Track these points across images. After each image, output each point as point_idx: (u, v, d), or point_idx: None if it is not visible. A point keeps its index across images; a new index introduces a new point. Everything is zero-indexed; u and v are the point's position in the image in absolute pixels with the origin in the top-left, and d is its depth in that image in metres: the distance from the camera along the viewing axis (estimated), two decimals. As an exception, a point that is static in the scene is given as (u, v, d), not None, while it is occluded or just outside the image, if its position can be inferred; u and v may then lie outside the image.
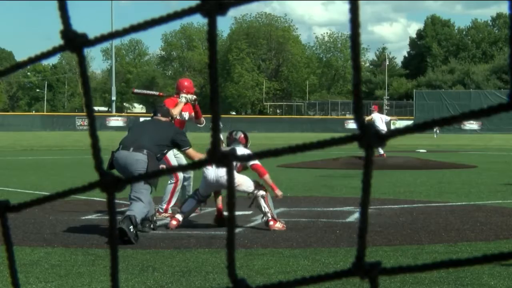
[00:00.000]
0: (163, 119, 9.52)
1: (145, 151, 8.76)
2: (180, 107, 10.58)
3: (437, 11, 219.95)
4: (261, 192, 9.22)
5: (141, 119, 63.27)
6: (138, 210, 8.42)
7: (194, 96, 10.85)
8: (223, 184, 9.17)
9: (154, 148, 8.87)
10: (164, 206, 10.48)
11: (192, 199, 9.51)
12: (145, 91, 12.79)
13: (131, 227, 8.11)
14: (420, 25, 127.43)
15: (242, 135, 9.83)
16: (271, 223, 9.08)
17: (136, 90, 12.71)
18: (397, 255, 7.49)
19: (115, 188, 0.82)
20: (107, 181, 0.82)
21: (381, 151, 23.17)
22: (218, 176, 9.19)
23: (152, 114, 9.88)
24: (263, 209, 9.14)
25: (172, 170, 0.90)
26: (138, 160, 8.69)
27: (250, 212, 10.00)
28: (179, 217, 9.35)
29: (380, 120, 24.83)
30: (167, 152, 9.29)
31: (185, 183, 10.73)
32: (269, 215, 9.10)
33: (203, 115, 10.97)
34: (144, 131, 9.11)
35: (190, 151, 9.17)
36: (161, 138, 8.99)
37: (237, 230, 8.91)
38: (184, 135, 9.33)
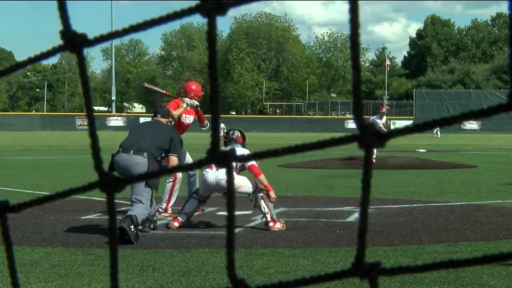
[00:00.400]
0: (163, 120, 9.51)
1: (145, 154, 8.72)
2: (180, 111, 10.60)
3: (437, 11, 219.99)
4: (262, 193, 9.22)
5: (141, 119, 63.30)
6: (139, 210, 8.41)
7: (196, 102, 10.84)
8: (223, 186, 9.15)
9: (154, 151, 8.83)
10: (164, 206, 10.48)
11: (193, 199, 9.50)
12: (154, 87, 12.79)
13: (132, 226, 8.11)
14: (420, 25, 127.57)
15: (239, 134, 9.82)
16: (271, 224, 9.08)
17: (146, 85, 12.67)
18: (397, 255, 7.49)
19: (114, 188, 0.82)
20: (106, 181, 0.82)
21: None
22: (218, 179, 9.18)
23: (152, 115, 9.89)
24: (262, 209, 9.14)
25: (172, 170, 0.90)
26: (139, 163, 8.65)
27: (250, 212, 10.00)
28: (181, 218, 9.34)
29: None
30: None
31: (191, 179, 10.77)
32: (268, 216, 9.10)
33: (204, 115, 10.99)
34: (145, 134, 9.06)
35: (174, 159, 9.03)
36: (162, 141, 8.95)
37: (237, 230, 8.91)
38: (180, 143, 9.30)
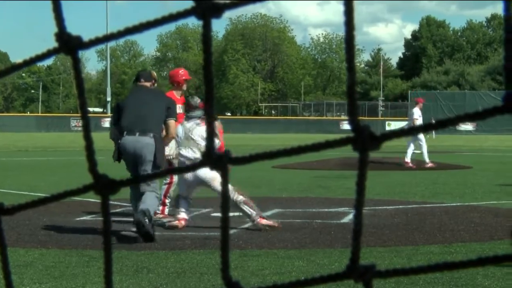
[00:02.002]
0: (147, 84, 9.41)
1: (151, 135, 8.87)
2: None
3: (432, 12, 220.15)
4: (240, 198, 9.15)
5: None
6: (151, 202, 8.55)
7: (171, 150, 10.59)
8: (201, 177, 9.17)
9: (157, 128, 9.01)
10: (160, 208, 10.43)
11: (183, 201, 9.49)
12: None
13: (147, 219, 8.20)
14: (415, 26, 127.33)
15: (200, 100, 9.82)
16: (258, 220, 9.07)
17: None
18: (391, 256, 7.50)
19: (109, 190, 0.82)
20: (101, 183, 0.82)
21: (407, 159, 21.71)
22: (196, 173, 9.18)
23: (134, 79, 9.71)
24: (247, 212, 9.15)
25: (170, 172, 0.90)
26: (148, 143, 8.83)
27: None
28: (184, 215, 9.37)
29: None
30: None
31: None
32: (254, 217, 9.11)
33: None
34: (143, 110, 8.99)
35: (173, 123, 9.20)
36: (160, 113, 9.05)
37: (232, 231, 8.90)
38: (175, 107, 9.44)
